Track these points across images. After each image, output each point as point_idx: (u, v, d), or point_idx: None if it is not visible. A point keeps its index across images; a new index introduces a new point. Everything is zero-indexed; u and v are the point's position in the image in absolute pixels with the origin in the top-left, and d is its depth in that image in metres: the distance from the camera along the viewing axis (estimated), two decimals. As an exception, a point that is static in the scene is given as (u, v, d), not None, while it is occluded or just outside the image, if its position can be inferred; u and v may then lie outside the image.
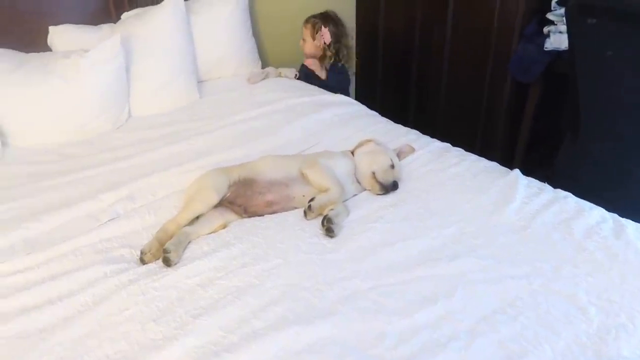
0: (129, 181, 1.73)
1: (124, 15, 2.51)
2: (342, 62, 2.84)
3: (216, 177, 1.67)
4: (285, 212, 1.63)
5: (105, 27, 2.40)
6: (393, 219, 1.55)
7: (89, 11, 2.48)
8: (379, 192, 1.69)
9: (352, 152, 1.83)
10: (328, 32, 2.75)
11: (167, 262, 1.38)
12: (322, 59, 2.84)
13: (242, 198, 1.63)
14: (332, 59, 2.81)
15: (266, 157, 1.77)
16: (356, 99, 2.62)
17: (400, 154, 1.90)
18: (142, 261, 1.41)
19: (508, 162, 2.17)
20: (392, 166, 1.74)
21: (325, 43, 2.77)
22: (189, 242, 1.49)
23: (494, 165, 1.90)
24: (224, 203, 1.62)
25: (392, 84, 3.39)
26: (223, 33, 2.63)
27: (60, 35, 2.32)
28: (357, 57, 3.39)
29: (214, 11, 2.60)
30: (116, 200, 1.64)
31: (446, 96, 3.06)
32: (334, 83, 2.77)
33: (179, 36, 2.41)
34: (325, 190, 1.61)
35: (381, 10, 3.26)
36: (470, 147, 2.05)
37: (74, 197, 1.64)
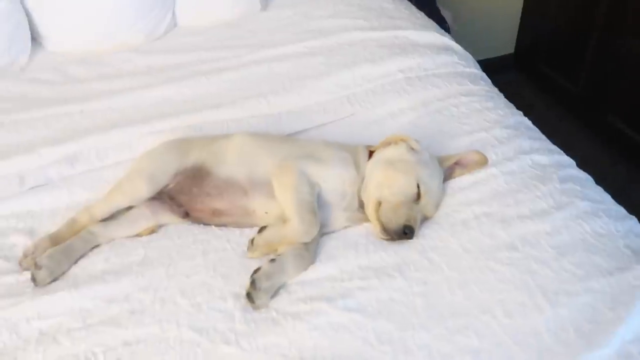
0: (84, 133, 1.34)
1: None
2: None
3: (160, 159, 1.20)
4: (241, 229, 1.12)
5: None
6: (371, 304, 0.91)
7: None
8: (381, 236, 1.04)
9: (371, 153, 1.16)
10: None
11: (34, 281, 1.02)
12: None
13: (186, 196, 1.15)
14: None
15: (241, 136, 1.21)
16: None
17: (457, 167, 1.16)
18: (20, 264, 1.08)
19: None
20: (418, 196, 1.05)
21: None
22: (94, 248, 1.10)
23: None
24: (164, 196, 1.16)
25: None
26: None
27: None
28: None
29: None
30: (55, 159, 1.29)
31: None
32: None
33: None
34: (286, 221, 1.03)
35: None
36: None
37: (17, 144, 1.34)
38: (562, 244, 0.98)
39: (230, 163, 1.15)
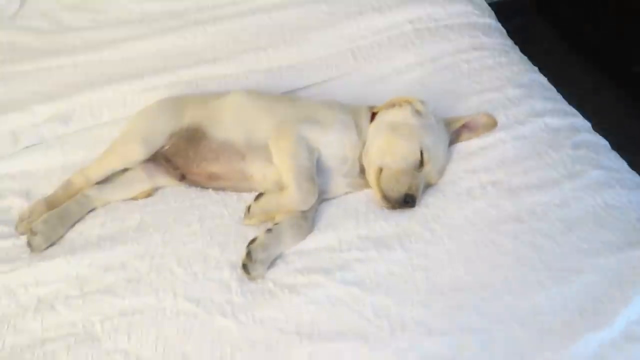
0: (77, 89, 1.29)
1: None
2: None
3: (154, 119, 1.15)
4: (238, 193, 1.09)
5: None
6: (369, 277, 0.89)
7: None
8: (382, 205, 1.01)
9: (375, 114, 1.10)
10: None
11: (30, 247, 1.01)
12: None
13: (182, 159, 1.11)
14: None
15: (237, 96, 1.15)
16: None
17: (465, 130, 1.10)
18: (17, 229, 1.06)
19: None
20: (421, 163, 1.00)
21: None
22: (90, 212, 1.08)
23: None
24: (160, 158, 1.13)
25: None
26: None
27: None
28: None
29: None
30: (48, 117, 1.25)
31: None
32: None
33: None
34: (283, 188, 1.00)
35: None
36: None
37: (8, 100, 1.29)
38: (570, 216, 0.94)
39: (227, 125, 1.10)
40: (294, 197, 0.97)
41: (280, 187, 1.01)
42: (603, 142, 1.12)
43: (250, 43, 1.38)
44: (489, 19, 1.43)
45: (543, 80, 1.26)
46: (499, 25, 1.43)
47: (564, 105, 1.19)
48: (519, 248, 0.91)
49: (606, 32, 2.18)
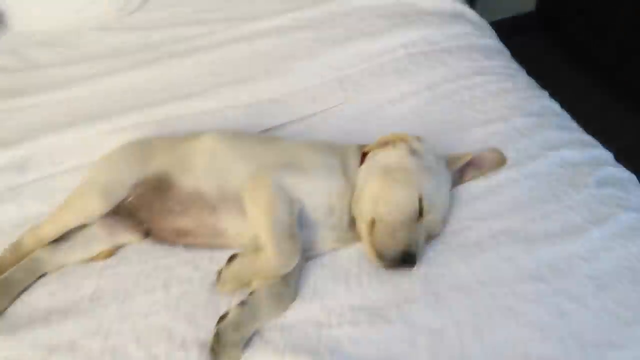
0: (37, 133, 1.16)
1: None
2: None
3: (116, 167, 1.01)
4: (211, 250, 0.94)
5: None
6: (365, 356, 0.74)
7: None
8: (376, 263, 0.86)
9: (365, 155, 0.96)
10: None
11: (-36, 324, 0.86)
12: None
13: (147, 212, 0.97)
14: None
15: (211, 138, 1.01)
16: None
17: (470, 168, 0.96)
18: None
19: None
20: (420, 213, 0.85)
21: None
22: (41, 277, 0.94)
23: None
24: (122, 212, 0.99)
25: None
26: None
27: None
28: None
29: None
30: (2, 166, 1.12)
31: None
32: None
33: None
34: (259, 248, 0.85)
35: None
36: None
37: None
38: (601, 272, 0.79)
39: (197, 172, 0.96)
40: (272, 259, 0.82)
41: (258, 245, 0.87)
42: (630, 177, 0.97)
43: (229, 75, 1.25)
44: (490, 40, 1.30)
45: (555, 106, 1.12)
46: (502, 45, 1.30)
47: (581, 134, 1.04)
48: (541, 316, 0.76)
49: (617, 50, 2.04)
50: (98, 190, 0.97)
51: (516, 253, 0.83)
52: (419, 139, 0.94)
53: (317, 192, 0.89)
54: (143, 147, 1.05)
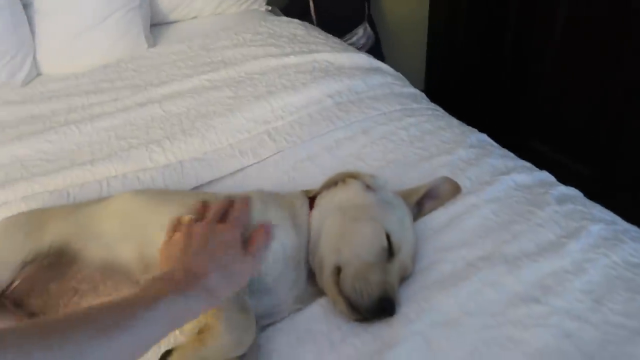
0: None
1: None
2: None
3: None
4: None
5: None
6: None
7: None
8: (349, 316, 0.71)
9: (313, 199, 0.84)
10: None
11: None
12: None
13: (40, 298, 0.74)
14: None
15: (124, 196, 0.82)
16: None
17: (427, 200, 0.88)
18: None
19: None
20: (390, 252, 0.74)
21: None
22: None
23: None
24: (5, 302, 0.75)
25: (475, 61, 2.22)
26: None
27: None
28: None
29: None
30: None
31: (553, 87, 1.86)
32: None
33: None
34: (202, 330, 0.66)
35: None
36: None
37: None
38: (594, 285, 0.71)
39: (109, 239, 0.76)
40: (223, 338, 0.63)
41: (200, 328, 0.67)
42: (579, 193, 0.95)
43: (140, 138, 1.10)
44: (412, 89, 1.31)
45: (489, 140, 1.11)
46: (424, 94, 1.31)
47: (522, 161, 1.03)
48: (547, 340, 0.65)
49: (498, 109, 2.21)
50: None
51: (499, 277, 0.73)
52: (371, 176, 0.85)
53: (268, 252, 0.73)
54: (32, 217, 0.83)
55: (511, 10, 2.00)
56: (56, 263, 0.75)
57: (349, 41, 2.02)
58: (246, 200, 0.77)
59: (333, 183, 0.85)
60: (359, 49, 2.01)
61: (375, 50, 2.11)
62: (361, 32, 2.06)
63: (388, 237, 0.73)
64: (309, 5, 2.01)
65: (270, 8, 1.85)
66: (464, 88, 2.39)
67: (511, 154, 1.06)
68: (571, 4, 1.76)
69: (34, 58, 1.48)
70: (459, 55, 2.34)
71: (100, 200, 0.86)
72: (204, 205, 0.76)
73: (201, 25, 1.66)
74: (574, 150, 1.92)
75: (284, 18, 1.68)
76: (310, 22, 2.01)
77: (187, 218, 0.73)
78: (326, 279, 0.73)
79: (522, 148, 2.02)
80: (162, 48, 1.54)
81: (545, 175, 0.98)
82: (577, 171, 1.89)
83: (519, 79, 2.06)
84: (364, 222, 0.75)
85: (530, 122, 2.06)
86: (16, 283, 0.75)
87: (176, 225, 0.73)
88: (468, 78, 2.34)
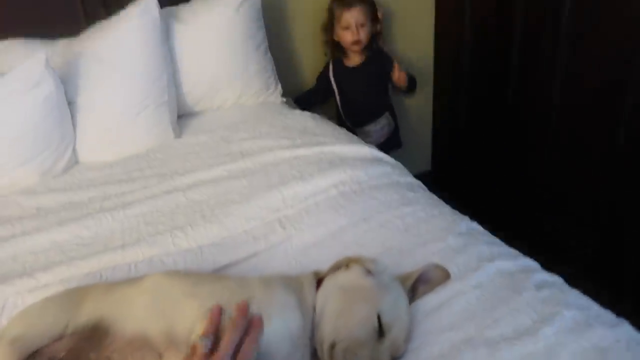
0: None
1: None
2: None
3: (36, 316, 0.91)
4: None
5: (61, 43, 1.80)
6: None
7: (53, 19, 1.89)
8: (341, 390, 0.80)
9: (320, 281, 0.96)
10: None
11: None
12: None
13: (78, 365, 0.86)
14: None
15: (154, 278, 0.94)
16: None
17: (419, 285, 0.98)
18: None
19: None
20: (380, 332, 0.84)
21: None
22: None
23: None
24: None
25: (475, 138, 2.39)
26: (221, 47, 1.87)
27: (2, 52, 1.75)
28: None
29: (207, 18, 1.86)
30: None
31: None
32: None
33: (148, 53, 1.70)
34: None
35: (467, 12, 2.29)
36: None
37: None
38: (565, 368, 0.80)
39: (139, 315, 0.88)
40: None
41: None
42: (559, 279, 1.04)
43: (165, 224, 1.25)
44: (409, 178, 1.44)
45: (478, 227, 1.22)
46: (421, 182, 1.44)
47: (507, 248, 1.13)
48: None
49: (502, 200, 2.32)
50: (7, 341, 0.85)
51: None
52: (372, 260, 0.96)
53: (274, 331, 0.83)
54: (70, 294, 0.96)
55: (509, 96, 2.17)
56: (92, 337, 0.87)
57: (373, 128, 2.20)
58: (260, 321, 0.79)
59: (337, 267, 0.96)
60: (381, 135, 2.21)
61: (394, 136, 2.28)
62: (384, 121, 2.23)
63: (379, 318, 0.84)
64: (334, 96, 2.23)
65: (285, 100, 2.05)
66: (467, 168, 2.54)
67: (498, 241, 1.17)
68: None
69: (74, 148, 1.67)
70: (462, 138, 2.51)
71: (132, 280, 0.98)
72: (218, 312, 0.81)
73: (223, 117, 1.84)
74: (577, 224, 1.98)
75: (297, 111, 1.87)
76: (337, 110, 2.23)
77: (200, 346, 0.75)
78: (322, 353, 0.82)
79: (528, 220, 2.11)
80: (187, 138, 1.73)
81: (528, 262, 1.08)
82: (582, 243, 1.96)
83: (520, 161, 2.20)
84: (359, 303, 0.85)
85: (536, 197, 2.16)
86: (63, 354, 0.86)
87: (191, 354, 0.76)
88: (472, 158, 2.49)
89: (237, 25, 1.86)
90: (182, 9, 1.89)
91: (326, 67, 2.23)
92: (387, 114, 2.24)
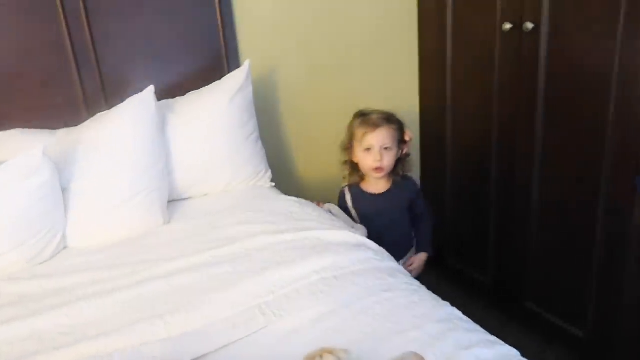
0: None
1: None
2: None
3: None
4: None
5: (61, 132, 1.89)
6: None
7: (54, 111, 2.00)
8: None
9: (294, 372, 0.95)
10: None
11: None
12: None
13: None
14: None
15: None
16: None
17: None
18: None
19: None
20: None
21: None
22: None
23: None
24: None
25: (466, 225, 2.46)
26: (214, 136, 1.96)
27: (5, 142, 1.83)
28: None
29: (201, 109, 1.97)
30: None
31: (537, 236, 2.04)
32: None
33: (144, 143, 1.78)
34: None
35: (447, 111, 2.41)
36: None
37: None
38: None
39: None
40: None
41: None
42: (539, 369, 1.03)
43: (146, 312, 1.24)
44: (390, 262, 1.46)
45: (459, 313, 1.22)
46: (401, 268, 1.46)
47: (487, 335, 1.13)
48: None
49: (494, 276, 2.33)
50: None
51: None
52: (345, 351, 0.96)
53: None
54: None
55: (492, 186, 2.23)
56: None
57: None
58: None
59: (312, 358, 0.96)
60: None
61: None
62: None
63: (353, 414, 0.83)
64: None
65: (274, 184, 2.10)
66: (459, 248, 2.55)
67: (478, 328, 1.17)
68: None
69: (64, 234, 1.70)
70: (449, 226, 2.55)
71: None
72: None
73: (212, 202, 1.89)
74: (566, 312, 1.97)
75: (283, 196, 1.92)
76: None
77: None
78: None
79: (518, 310, 2.09)
80: (175, 224, 1.76)
81: (507, 349, 1.08)
82: (572, 334, 1.94)
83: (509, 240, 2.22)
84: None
85: (524, 286, 2.16)
86: None
87: None
88: (461, 238, 2.51)
89: (229, 115, 1.96)
90: (179, 101, 2.00)
91: (341, 196, 1.98)
92: (413, 248, 2.02)
